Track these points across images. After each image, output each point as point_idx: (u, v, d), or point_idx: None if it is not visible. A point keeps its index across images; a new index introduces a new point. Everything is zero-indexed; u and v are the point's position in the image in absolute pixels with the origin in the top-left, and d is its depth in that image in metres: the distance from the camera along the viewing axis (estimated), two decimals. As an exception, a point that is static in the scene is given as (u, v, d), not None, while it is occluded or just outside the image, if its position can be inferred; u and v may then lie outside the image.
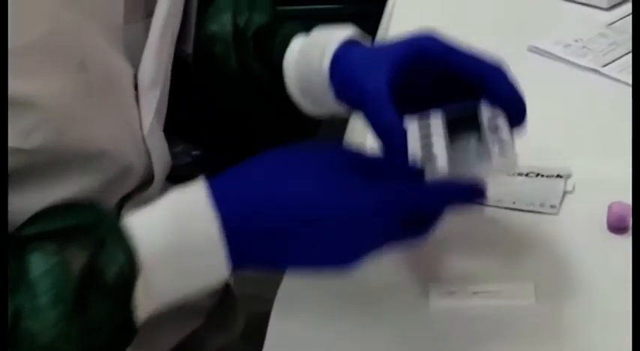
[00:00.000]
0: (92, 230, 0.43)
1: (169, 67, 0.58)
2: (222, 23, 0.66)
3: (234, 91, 0.66)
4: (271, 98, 0.63)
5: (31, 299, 0.40)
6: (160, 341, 0.56)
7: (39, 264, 0.41)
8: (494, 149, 0.46)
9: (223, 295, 0.62)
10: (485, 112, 0.49)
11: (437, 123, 0.51)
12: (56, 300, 0.40)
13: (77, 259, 0.41)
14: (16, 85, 0.43)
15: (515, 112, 0.48)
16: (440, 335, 0.48)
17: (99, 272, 0.41)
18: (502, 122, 0.48)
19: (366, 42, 0.58)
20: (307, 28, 0.62)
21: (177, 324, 0.57)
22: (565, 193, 0.56)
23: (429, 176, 0.46)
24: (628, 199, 0.52)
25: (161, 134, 0.57)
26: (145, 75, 0.55)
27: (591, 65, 0.74)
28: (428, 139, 0.49)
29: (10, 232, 0.44)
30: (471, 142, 0.49)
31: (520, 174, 0.57)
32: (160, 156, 0.56)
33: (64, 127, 0.47)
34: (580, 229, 0.54)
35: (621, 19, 0.83)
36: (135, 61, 0.54)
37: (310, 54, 0.58)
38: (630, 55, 0.74)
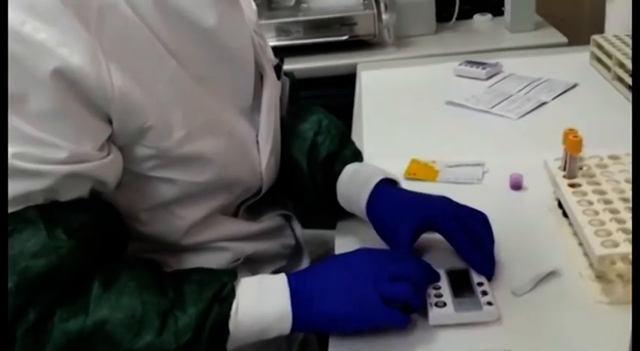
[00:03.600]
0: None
1: (278, 128, 0.84)
2: (306, 131, 0.88)
3: (299, 179, 0.88)
4: (324, 195, 0.87)
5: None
6: None
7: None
8: (483, 300, 0.68)
9: None
10: (473, 274, 0.73)
11: (443, 279, 0.72)
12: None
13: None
14: (197, 147, 0.69)
15: (489, 277, 0.73)
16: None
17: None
18: (484, 278, 0.72)
19: (395, 181, 0.83)
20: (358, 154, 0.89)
21: None
22: (483, 173, 0.98)
23: (434, 320, 0.68)
24: (520, 171, 0.94)
25: (273, 168, 0.83)
26: (263, 135, 0.80)
27: (484, 108, 1.19)
28: (439, 290, 0.70)
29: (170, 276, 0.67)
30: (465, 295, 0.69)
31: (463, 165, 1.00)
32: (268, 181, 0.83)
33: (221, 168, 0.73)
34: (494, 190, 0.93)
35: (494, 84, 1.31)
36: (255, 125, 0.80)
37: (353, 188, 0.82)
38: (506, 101, 1.22)
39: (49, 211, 0.60)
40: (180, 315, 0.62)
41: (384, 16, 1.60)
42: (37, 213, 0.60)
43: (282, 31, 1.57)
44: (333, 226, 0.91)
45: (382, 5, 1.60)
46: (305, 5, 1.70)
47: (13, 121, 0.57)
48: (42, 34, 0.57)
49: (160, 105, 0.66)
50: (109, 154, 0.64)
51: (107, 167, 0.64)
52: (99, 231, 0.64)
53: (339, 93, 1.42)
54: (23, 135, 0.58)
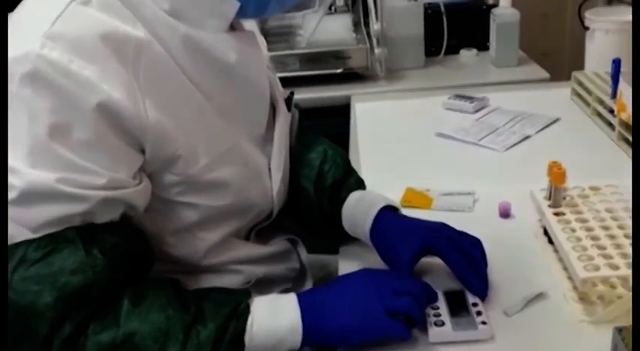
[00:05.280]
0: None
1: (288, 157, 0.90)
2: (313, 160, 0.95)
3: (306, 205, 0.94)
4: (329, 220, 0.92)
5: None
6: None
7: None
8: (477, 320, 0.74)
9: None
10: (468, 295, 0.79)
11: (441, 300, 0.78)
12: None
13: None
14: (218, 173, 0.76)
15: (483, 298, 0.79)
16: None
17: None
18: (478, 299, 0.78)
19: (396, 207, 0.89)
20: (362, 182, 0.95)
21: None
22: (474, 201, 1.05)
23: (433, 338, 0.73)
24: (508, 199, 1.01)
25: (283, 194, 0.89)
26: (274, 163, 0.86)
27: (472, 140, 1.27)
28: (437, 311, 0.76)
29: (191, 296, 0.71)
30: (461, 315, 0.75)
31: (455, 193, 1.07)
32: (278, 205, 0.89)
33: (237, 193, 0.79)
34: (485, 217, 1.00)
35: (482, 117, 1.39)
36: (268, 154, 0.86)
37: (357, 214, 0.88)
38: (493, 133, 1.29)
39: (86, 233, 0.66)
40: (202, 329, 0.68)
41: (376, 50, 1.68)
42: (76, 234, 0.65)
43: (278, 63, 1.64)
44: (333, 252, 0.97)
45: (374, 40, 1.69)
46: (300, 39, 1.77)
47: (58, 149, 0.63)
48: (86, 72, 0.63)
49: (187, 135, 0.72)
50: (140, 182, 0.70)
51: (139, 193, 0.70)
52: (128, 252, 0.70)
53: (335, 123, 1.48)
54: (67, 162, 0.64)
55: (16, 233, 0.65)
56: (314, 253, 1.08)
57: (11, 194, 0.63)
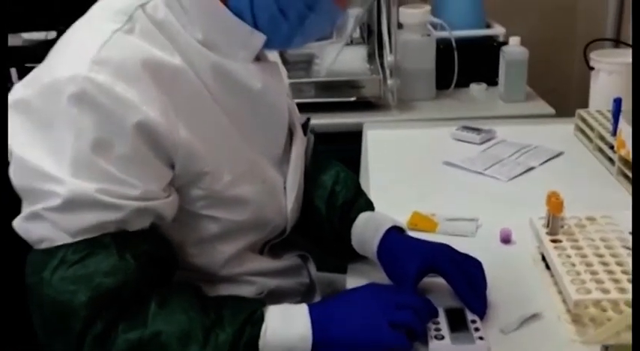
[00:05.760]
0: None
1: (302, 177, 0.96)
2: (326, 181, 1.01)
3: (318, 223, 1.00)
4: (339, 238, 0.98)
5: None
6: None
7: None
8: (475, 335, 0.80)
9: None
10: (467, 313, 0.84)
11: (441, 316, 0.83)
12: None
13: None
14: (239, 190, 0.82)
15: (481, 316, 0.84)
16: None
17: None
18: (477, 317, 0.83)
19: (402, 228, 0.95)
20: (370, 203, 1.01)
21: None
22: (477, 227, 1.11)
23: (434, 350, 0.78)
24: (509, 226, 1.07)
25: (296, 212, 0.95)
26: (289, 183, 0.92)
27: (478, 170, 1.33)
28: (438, 325, 0.82)
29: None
30: (460, 330, 0.81)
31: (459, 219, 1.12)
32: (291, 222, 0.95)
33: (256, 209, 0.86)
34: (487, 243, 1.05)
35: (488, 148, 1.46)
36: (284, 174, 0.92)
37: (366, 233, 0.94)
38: (498, 164, 1.35)
39: (120, 239, 0.72)
40: (220, 332, 0.73)
41: (389, 81, 1.76)
42: (111, 239, 0.72)
43: (296, 89, 1.71)
44: (341, 271, 1.03)
45: (387, 71, 1.76)
46: (317, 68, 1.86)
47: (99, 162, 0.70)
48: (128, 94, 0.70)
49: (213, 154, 0.79)
50: (170, 195, 0.77)
51: (168, 205, 0.76)
52: (155, 258, 0.76)
53: (347, 148, 1.55)
54: (106, 174, 0.70)
55: (57, 237, 0.71)
56: (323, 271, 1.13)
57: (55, 202, 0.70)
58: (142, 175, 0.72)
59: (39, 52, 2.55)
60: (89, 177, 0.70)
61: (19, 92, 0.73)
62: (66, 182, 0.69)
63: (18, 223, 0.73)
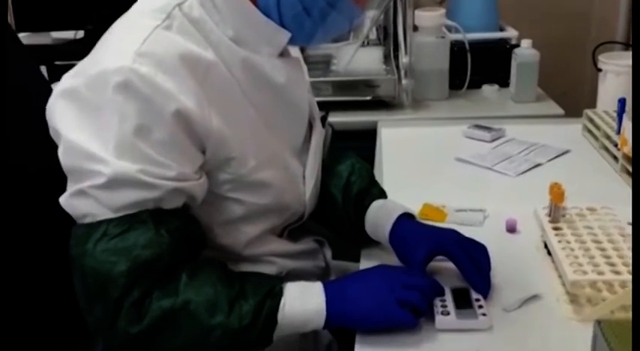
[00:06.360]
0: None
1: (320, 167, 1.03)
2: (342, 171, 1.08)
3: (335, 210, 1.06)
4: (354, 224, 1.05)
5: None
6: None
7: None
8: (479, 312, 0.87)
9: None
10: (472, 292, 0.90)
11: (448, 295, 0.90)
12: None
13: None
14: (262, 175, 0.88)
15: (485, 296, 0.91)
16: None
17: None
18: (481, 297, 0.89)
19: (413, 215, 1.02)
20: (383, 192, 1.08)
21: None
22: (484, 217, 1.18)
23: (439, 325, 0.85)
24: (515, 217, 1.14)
25: (314, 199, 1.02)
26: (308, 171, 0.99)
27: (488, 165, 1.40)
28: (444, 303, 0.88)
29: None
30: (465, 307, 0.87)
31: (468, 210, 1.19)
32: (309, 208, 1.02)
33: (277, 194, 0.92)
34: (493, 232, 1.11)
35: (498, 146, 1.52)
36: (303, 163, 0.99)
37: (379, 219, 1.00)
38: (507, 160, 1.42)
39: (156, 216, 0.80)
40: (244, 303, 0.81)
41: (404, 81, 1.83)
42: (149, 215, 0.79)
43: (314, 88, 1.76)
44: (354, 259, 1.10)
45: (402, 71, 1.83)
46: (335, 67, 1.93)
47: (141, 145, 0.77)
48: (168, 84, 0.78)
49: (240, 141, 0.86)
50: (201, 177, 0.84)
51: (199, 186, 0.84)
52: (187, 235, 0.83)
53: (362, 145, 1.61)
54: (146, 156, 0.78)
55: (100, 212, 0.79)
56: (337, 259, 1.20)
57: (99, 180, 0.77)
58: (178, 158, 0.80)
59: (68, 50, 2.65)
60: (131, 158, 0.77)
61: (67, 82, 0.81)
62: (110, 163, 0.77)
63: (64, 199, 0.81)
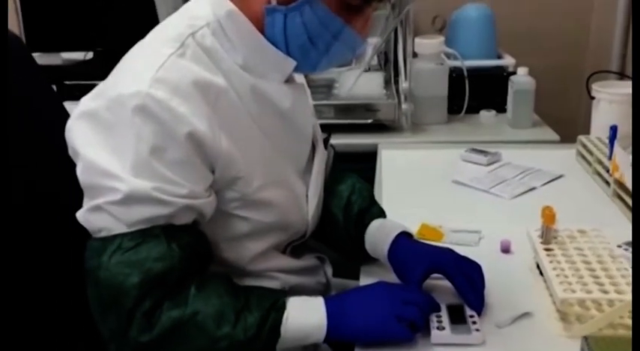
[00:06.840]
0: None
1: (322, 187, 1.08)
2: (343, 191, 1.12)
3: (336, 229, 1.11)
4: (354, 243, 1.09)
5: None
6: None
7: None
8: (472, 327, 0.91)
9: None
10: (467, 309, 0.95)
11: (443, 311, 0.94)
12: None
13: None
14: (267, 194, 0.93)
15: (479, 312, 0.94)
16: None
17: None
18: (475, 313, 0.94)
19: (411, 234, 1.05)
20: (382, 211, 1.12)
21: None
22: (480, 238, 1.22)
23: (435, 339, 0.89)
24: (509, 238, 1.18)
25: (316, 218, 1.07)
26: (311, 191, 1.04)
27: (484, 188, 1.44)
28: (440, 318, 0.92)
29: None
30: (459, 323, 0.91)
31: (464, 231, 1.23)
32: (312, 227, 1.06)
33: (281, 213, 0.97)
34: (488, 252, 1.16)
35: (494, 169, 1.57)
36: (306, 184, 1.04)
37: (378, 238, 1.05)
38: (503, 184, 1.47)
39: (168, 231, 0.84)
40: (248, 315, 0.85)
41: (404, 106, 1.89)
42: (161, 231, 0.84)
43: (316, 111, 1.81)
44: (354, 277, 1.14)
45: (402, 96, 1.89)
46: (337, 91, 1.99)
47: (155, 164, 0.82)
48: (182, 108, 0.83)
49: (247, 162, 0.91)
50: (210, 195, 0.89)
51: (209, 204, 0.89)
52: (196, 250, 0.88)
53: (363, 167, 1.64)
54: (161, 175, 0.83)
55: (115, 227, 0.83)
56: (338, 277, 1.25)
57: (116, 196, 0.82)
58: (190, 177, 0.85)
59: (77, 71, 2.72)
60: (147, 177, 0.82)
61: (87, 104, 0.86)
62: (126, 180, 0.82)
63: (81, 214, 0.86)
